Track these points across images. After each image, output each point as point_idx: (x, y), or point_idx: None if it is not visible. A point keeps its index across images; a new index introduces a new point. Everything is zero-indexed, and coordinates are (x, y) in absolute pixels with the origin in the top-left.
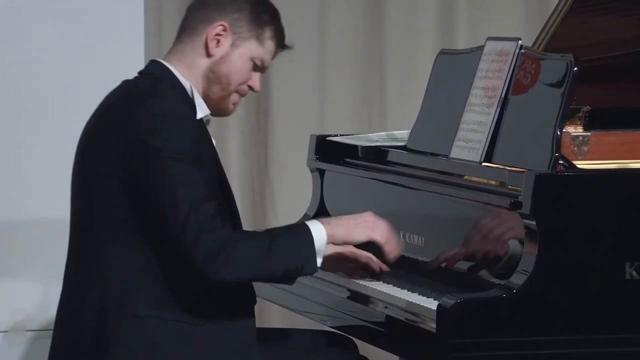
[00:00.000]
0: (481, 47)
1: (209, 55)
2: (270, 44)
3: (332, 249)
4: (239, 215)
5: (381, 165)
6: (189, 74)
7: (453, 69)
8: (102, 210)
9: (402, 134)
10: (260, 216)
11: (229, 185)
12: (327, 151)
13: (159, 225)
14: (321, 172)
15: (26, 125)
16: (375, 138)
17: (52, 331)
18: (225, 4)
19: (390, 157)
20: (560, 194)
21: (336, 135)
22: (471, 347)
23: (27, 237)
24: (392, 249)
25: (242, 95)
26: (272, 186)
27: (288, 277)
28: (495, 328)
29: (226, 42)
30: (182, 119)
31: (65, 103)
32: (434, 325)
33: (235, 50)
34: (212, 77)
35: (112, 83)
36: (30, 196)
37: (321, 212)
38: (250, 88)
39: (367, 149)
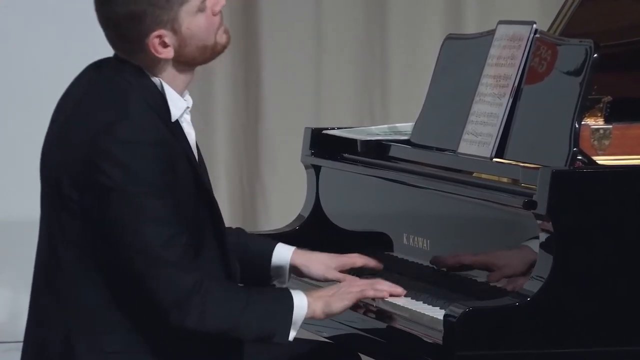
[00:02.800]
0: (492, 32)
1: (168, 59)
2: None
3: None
4: (222, 221)
5: (382, 161)
6: (156, 70)
7: (461, 56)
8: (66, 233)
9: (405, 127)
10: (250, 217)
11: (209, 190)
12: (324, 146)
13: (124, 263)
14: (317, 169)
15: None
16: (376, 131)
17: (21, 343)
18: (135, 21)
19: (392, 153)
20: (579, 193)
21: (333, 129)
22: None
23: None
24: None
25: (220, 22)
26: (264, 184)
27: (257, 341)
28: (507, 339)
29: (170, 36)
30: (149, 144)
31: (33, 102)
32: (440, 336)
33: (181, 29)
34: (189, 57)
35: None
36: None
37: (316, 212)
38: (218, 11)
39: (367, 143)
